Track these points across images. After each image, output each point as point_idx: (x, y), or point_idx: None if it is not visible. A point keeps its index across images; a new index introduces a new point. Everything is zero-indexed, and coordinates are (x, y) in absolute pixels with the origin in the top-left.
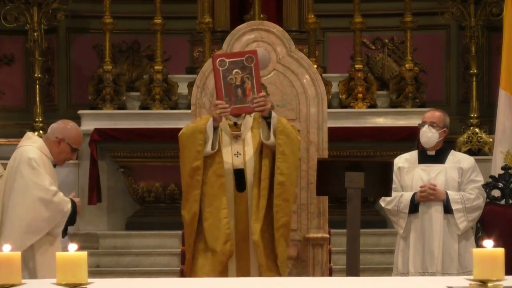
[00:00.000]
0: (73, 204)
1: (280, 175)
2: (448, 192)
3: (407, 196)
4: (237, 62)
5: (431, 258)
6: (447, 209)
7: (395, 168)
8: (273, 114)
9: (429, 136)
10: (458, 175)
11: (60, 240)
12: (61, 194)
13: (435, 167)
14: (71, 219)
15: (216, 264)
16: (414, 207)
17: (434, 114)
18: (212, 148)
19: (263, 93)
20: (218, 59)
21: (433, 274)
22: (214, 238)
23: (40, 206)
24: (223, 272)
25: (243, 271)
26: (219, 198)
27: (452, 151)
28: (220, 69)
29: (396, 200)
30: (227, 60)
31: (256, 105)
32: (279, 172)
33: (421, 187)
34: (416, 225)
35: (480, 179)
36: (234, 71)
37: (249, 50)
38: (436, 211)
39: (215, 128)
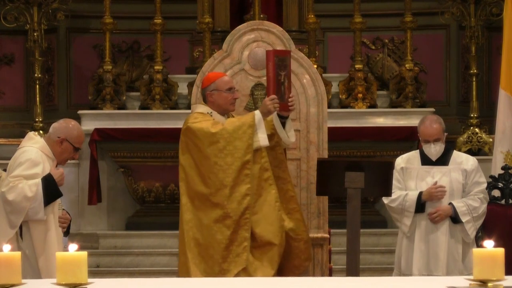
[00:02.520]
0: (49, 179)
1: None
2: (454, 204)
3: (413, 195)
4: (283, 60)
5: (436, 261)
6: (455, 220)
7: (397, 168)
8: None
9: (436, 153)
10: (462, 177)
11: (53, 223)
12: (20, 184)
13: (439, 169)
14: (52, 194)
15: (275, 257)
16: (420, 206)
17: (433, 130)
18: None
19: (293, 94)
20: (275, 55)
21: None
22: (269, 231)
23: (2, 205)
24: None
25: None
26: (269, 192)
27: (455, 152)
28: (275, 64)
29: (401, 198)
30: (279, 57)
31: (291, 104)
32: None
33: (436, 186)
34: (421, 227)
35: (484, 180)
36: (281, 68)
37: (287, 50)
38: (441, 223)
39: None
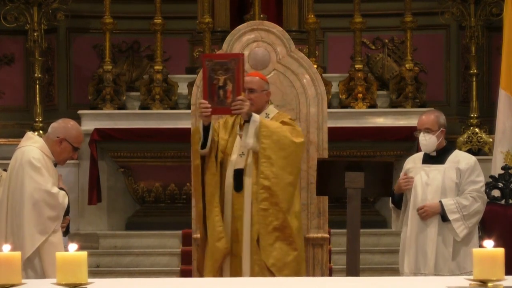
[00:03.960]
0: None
1: (264, 180)
2: (443, 202)
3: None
4: (222, 64)
5: (424, 259)
6: (444, 218)
7: (404, 169)
8: (253, 118)
9: (426, 144)
10: (456, 176)
11: (60, 231)
12: (61, 192)
13: (434, 168)
14: (66, 209)
15: (213, 261)
16: (397, 201)
17: (427, 119)
18: (201, 147)
19: (241, 97)
20: (206, 59)
21: (425, 275)
22: (211, 235)
23: (44, 208)
24: (219, 270)
25: (236, 270)
26: (214, 196)
27: (456, 151)
28: (208, 68)
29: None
30: (214, 61)
31: (233, 107)
32: (262, 176)
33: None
34: (412, 226)
35: (481, 180)
36: (219, 72)
37: (236, 53)
38: (430, 220)
39: (207, 128)
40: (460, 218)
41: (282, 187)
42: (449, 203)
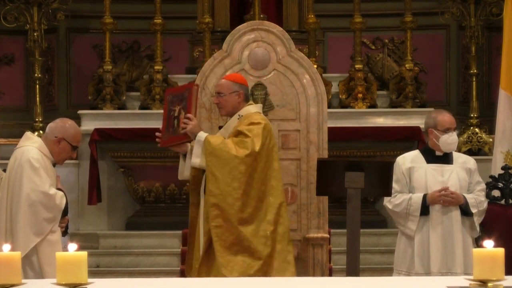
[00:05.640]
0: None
1: (212, 197)
2: (466, 195)
3: (417, 199)
4: (178, 95)
5: (453, 258)
6: (465, 212)
7: (402, 168)
8: (198, 138)
9: (456, 141)
10: (467, 176)
11: (59, 230)
12: (59, 193)
13: (447, 168)
14: (65, 210)
15: None
16: (425, 209)
17: (452, 118)
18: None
19: (189, 115)
20: (168, 93)
21: (456, 274)
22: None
23: (41, 209)
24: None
25: None
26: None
27: (454, 152)
28: (168, 102)
29: (405, 203)
30: (173, 94)
31: (181, 127)
32: (210, 194)
33: (441, 190)
34: (436, 227)
35: (482, 180)
36: (176, 103)
37: (190, 83)
38: (456, 214)
39: (184, 156)
40: (477, 213)
41: (230, 202)
42: (469, 196)
